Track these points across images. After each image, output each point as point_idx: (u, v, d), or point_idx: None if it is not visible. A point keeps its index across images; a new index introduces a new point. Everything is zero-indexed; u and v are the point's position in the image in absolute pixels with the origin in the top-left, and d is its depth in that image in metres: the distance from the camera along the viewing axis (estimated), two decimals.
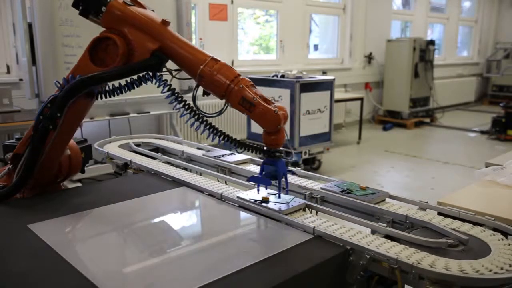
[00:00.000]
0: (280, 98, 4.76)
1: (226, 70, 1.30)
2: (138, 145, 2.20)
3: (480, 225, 1.25)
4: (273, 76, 4.95)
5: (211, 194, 1.53)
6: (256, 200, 1.39)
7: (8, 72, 4.37)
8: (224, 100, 1.32)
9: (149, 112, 4.41)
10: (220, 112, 1.36)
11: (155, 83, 1.35)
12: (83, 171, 1.75)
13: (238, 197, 1.44)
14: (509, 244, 1.11)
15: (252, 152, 1.43)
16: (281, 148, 1.34)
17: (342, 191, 1.46)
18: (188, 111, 1.34)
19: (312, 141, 4.90)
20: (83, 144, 1.81)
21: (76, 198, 1.52)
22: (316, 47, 8.03)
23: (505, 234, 1.20)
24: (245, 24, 6.78)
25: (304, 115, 4.76)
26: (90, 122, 4.11)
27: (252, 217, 1.36)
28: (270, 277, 0.99)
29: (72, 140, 1.69)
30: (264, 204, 1.36)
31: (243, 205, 1.41)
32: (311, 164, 5.13)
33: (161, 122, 5.35)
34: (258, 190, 1.46)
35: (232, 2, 5.99)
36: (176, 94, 1.34)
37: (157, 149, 2.19)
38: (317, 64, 7.43)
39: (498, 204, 1.55)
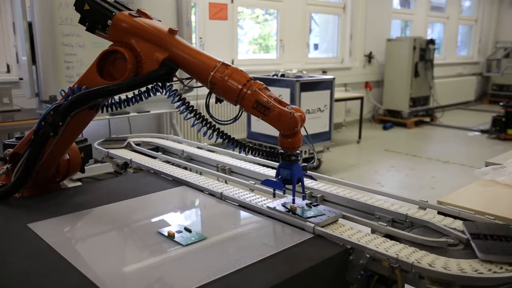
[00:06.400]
0: (280, 97, 4.73)
1: (238, 75, 1.25)
2: (138, 144, 2.20)
3: None
4: (273, 76, 4.94)
5: (211, 194, 1.53)
6: (289, 211, 1.30)
7: (8, 71, 4.37)
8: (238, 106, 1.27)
9: (149, 111, 4.41)
10: (235, 119, 1.31)
11: (165, 94, 1.30)
12: (83, 171, 1.75)
13: (268, 207, 1.36)
14: None
15: (268, 158, 1.39)
16: (297, 151, 1.27)
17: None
18: (199, 120, 1.30)
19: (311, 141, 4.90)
20: (83, 144, 1.81)
21: (76, 198, 1.52)
22: (316, 46, 8.04)
23: None
24: (244, 23, 6.77)
25: None
26: None
27: (252, 217, 1.36)
28: (270, 276, 0.99)
29: None
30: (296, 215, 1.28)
31: (272, 215, 1.33)
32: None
33: (161, 121, 5.35)
34: (274, 194, 1.40)
35: (232, 1, 5.98)
36: (187, 104, 1.30)
37: (157, 148, 2.19)
38: (317, 63, 7.43)
39: (498, 203, 1.55)
